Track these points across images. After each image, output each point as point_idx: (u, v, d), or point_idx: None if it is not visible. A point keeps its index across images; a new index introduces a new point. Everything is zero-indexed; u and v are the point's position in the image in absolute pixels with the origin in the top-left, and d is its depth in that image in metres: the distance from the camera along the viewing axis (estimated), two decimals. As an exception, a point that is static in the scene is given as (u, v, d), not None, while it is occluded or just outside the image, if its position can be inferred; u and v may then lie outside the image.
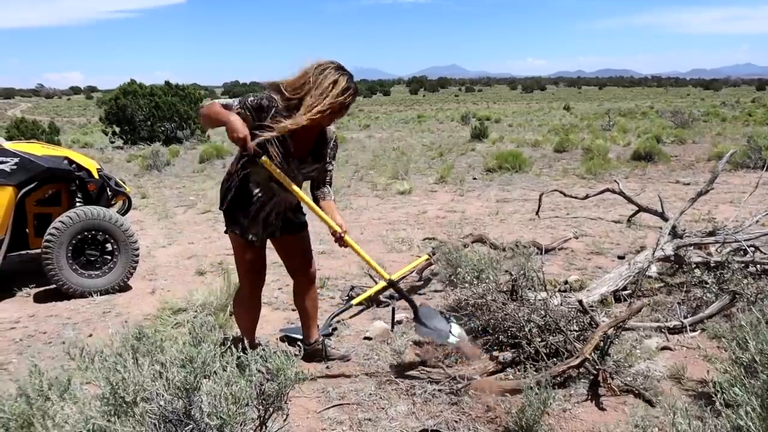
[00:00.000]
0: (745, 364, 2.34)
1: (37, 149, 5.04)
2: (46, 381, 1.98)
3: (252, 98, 2.93)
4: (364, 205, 8.98)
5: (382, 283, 4.55)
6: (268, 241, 3.33)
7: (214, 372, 2.06)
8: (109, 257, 4.99)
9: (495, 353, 3.40)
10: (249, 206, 3.10)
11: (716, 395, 2.12)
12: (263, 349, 2.22)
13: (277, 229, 3.27)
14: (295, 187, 3.03)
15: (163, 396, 2.01)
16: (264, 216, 3.15)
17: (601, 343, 3.21)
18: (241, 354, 2.15)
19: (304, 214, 3.41)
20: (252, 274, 3.29)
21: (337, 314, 4.21)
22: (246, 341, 3.36)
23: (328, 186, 3.31)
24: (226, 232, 3.25)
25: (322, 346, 3.57)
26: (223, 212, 3.20)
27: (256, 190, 3.09)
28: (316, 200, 3.24)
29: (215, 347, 2.10)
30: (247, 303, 3.37)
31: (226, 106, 2.89)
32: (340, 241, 3.15)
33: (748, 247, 4.76)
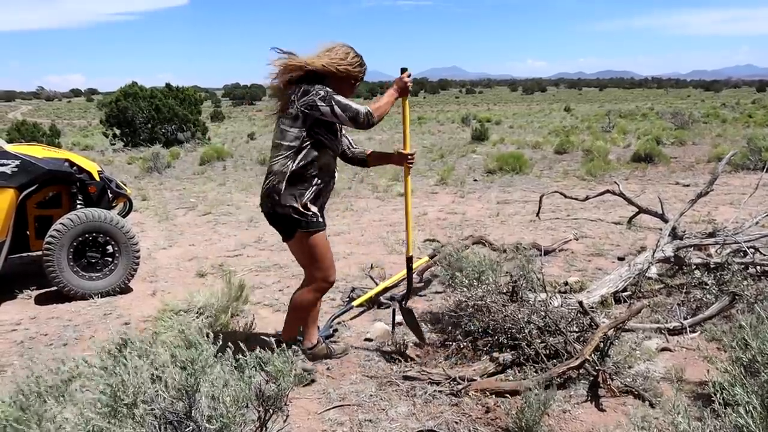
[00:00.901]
0: (745, 363, 2.35)
1: (37, 152, 5.05)
2: (43, 384, 1.98)
3: (334, 99, 3.11)
4: (364, 206, 8.98)
5: (382, 285, 4.56)
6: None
7: (215, 374, 2.07)
8: (110, 259, 4.99)
9: (495, 354, 3.40)
10: (314, 193, 3.22)
11: (716, 395, 2.13)
12: (263, 351, 2.22)
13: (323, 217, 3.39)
14: (408, 111, 3.48)
15: (163, 398, 2.01)
16: (323, 202, 3.33)
17: (601, 345, 3.21)
18: (240, 356, 2.16)
19: None
20: (332, 258, 3.41)
21: (338, 315, 4.22)
22: (313, 336, 3.52)
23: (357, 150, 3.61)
24: (288, 238, 3.29)
25: (324, 347, 3.57)
26: (280, 215, 3.20)
27: (317, 178, 3.21)
28: (359, 156, 3.60)
29: (215, 349, 2.11)
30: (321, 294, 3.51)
31: (356, 110, 3.13)
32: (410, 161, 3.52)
33: (748, 248, 4.76)
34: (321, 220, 3.27)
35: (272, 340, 2.45)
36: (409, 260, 3.72)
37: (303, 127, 3.12)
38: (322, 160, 3.21)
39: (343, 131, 3.44)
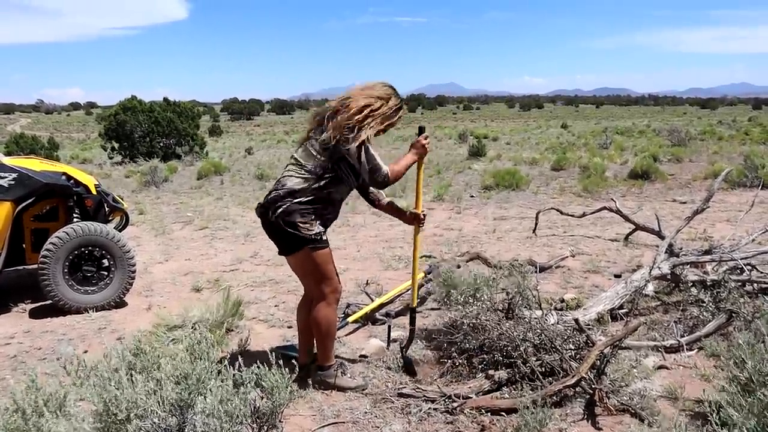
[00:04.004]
0: (742, 383, 2.34)
1: (35, 165, 5.05)
2: (41, 397, 1.97)
3: (366, 146, 3.17)
4: (361, 222, 8.99)
5: (377, 301, 4.55)
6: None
7: (209, 389, 2.05)
8: (106, 273, 4.98)
9: (491, 372, 3.39)
10: (320, 218, 3.24)
11: (712, 414, 2.12)
12: (258, 367, 2.21)
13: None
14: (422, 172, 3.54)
15: (157, 413, 2.00)
16: (327, 225, 3.35)
17: (598, 362, 3.20)
18: (236, 372, 2.15)
19: None
20: (336, 273, 3.40)
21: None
22: (331, 355, 3.45)
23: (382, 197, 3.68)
24: (289, 253, 3.29)
25: (338, 373, 3.52)
26: (283, 231, 3.20)
27: (327, 207, 3.28)
28: (379, 202, 3.66)
29: (210, 364, 2.10)
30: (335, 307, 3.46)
31: (379, 166, 3.21)
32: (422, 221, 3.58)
33: (745, 265, 4.76)
34: (326, 237, 3.29)
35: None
36: (413, 311, 3.69)
37: (329, 160, 3.17)
38: (336, 194, 3.27)
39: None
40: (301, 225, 3.15)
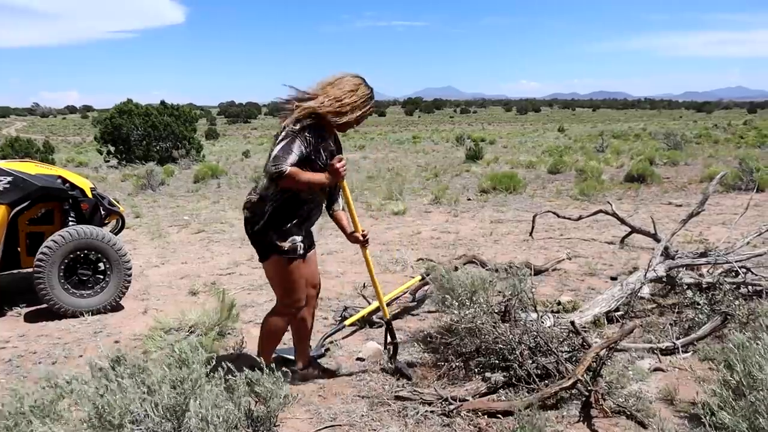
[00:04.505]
0: (733, 386, 2.34)
1: (30, 168, 5.04)
2: (27, 404, 1.96)
3: (308, 135, 3.06)
4: (358, 225, 8.97)
5: (375, 304, 4.55)
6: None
7: (204, 394, 2.05)
8: (102, 277, 4.96)
9: (487, 375, 3.39)
10: (299, 218, 3.20)
11: (705, 417, 2.12)
12: (252, 371, 2.20)
13: (311, 243, 3.39)
14: (349, 194, 3.37)
15: (151, 418, 1.99)
16: (308, 226, 3.30)
17: (594, 365, 3.20)
18: (230, 376, 2.15)
19: None
20: (303, 286, 3.34)
21: (330, 334, 4.19)
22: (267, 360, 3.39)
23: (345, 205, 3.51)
24: (262, 260, 3.28)
25: (316, 367, 3.56)
26: (259, 241, 3.22)
27: (311, 205, 3.24)
28: (332, 208, 3.50)
29: (205, 368, 2.10)
30: (307, 318, 3.47)
31: (295, 164, 2.99)
32: (365, 242, 3.46)
33: (740, 268, 4.78)
34: (300, 246, 3.22)
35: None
36: (389, 324, 3.66)
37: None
38: (305, 194, 3.18)
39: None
40: (278, 244, 3.16)
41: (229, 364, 2.40)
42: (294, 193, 3.14)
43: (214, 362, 2.24)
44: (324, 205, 3.41)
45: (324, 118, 3.12)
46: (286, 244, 3.16)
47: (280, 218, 3.16)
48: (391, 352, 3.67)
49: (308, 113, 3.08)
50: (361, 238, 3.42)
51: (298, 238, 3.21)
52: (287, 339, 4.25)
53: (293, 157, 2.97)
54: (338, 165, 3.12)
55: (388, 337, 3.74)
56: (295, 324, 3.55)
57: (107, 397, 1.90)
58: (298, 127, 3.05)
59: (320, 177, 3.10)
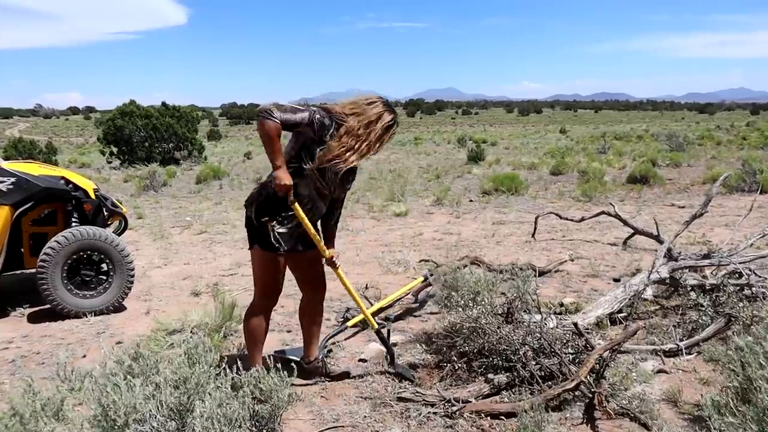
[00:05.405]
0: (735, 389, 2.33)
1: (33, 169, 5.04)
2: (39, 402, 1.97)
3: (319, 116, 3.03)
4: (360, 226, 8.98)
5: (377, 305, 4.55)
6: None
7: (208, 393, 2.05)
8: (105, 277, 4.97)
9: (490, 376, 3.38)
10: (286, 216, 3.16)
11: (710, 419, 2.11)
12: (257, 371, 2.20)
13: (300, 242, 3.28)
14: (309, 224, 3.19)
15: (156, 417, 1.99)
16: (295, 225, 3.20)
17: (597, 366, 3.20)
18: (235, 375, 2.15)
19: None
20: (275, 285, 3.35)
21: (333, 336, 4.19)
22: (249, 360, 3.38)
23: (335, 223, 3.47)
24: (249, 247, 3.30)
25: (322, 364, 3.57)
26: (248, 225, 3.23)
27: (304, 200, 3.17)
28: (325, 218, 3.42)
29: (209, 368, 2.10)
30: (262, 317, 3.41)
31: (287, 123, 2.94)
32: (332, 265, 3.39)
33: (743, 269, 4.76)
34: (282, 243, 3.18)
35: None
36: (379, 333, 3.63)
37: (294, 145, 3.13)
38: (301, 189, 3.14)
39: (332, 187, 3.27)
40: (259, 220, 3.14)
41: (234, 364, 2.40)
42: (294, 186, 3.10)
43: (219, 363, 2.25)
44: (321, 207, 3.33)
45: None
46: (271, 234, 3.14)
47: (271, 205, 3.14)
48: (389, 360, 3.66)
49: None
50: (332, 259, 3.38)
51: (284, 231, 3.17)
52: (289, 339, 4.26)
53: (289, 117, 2.94)
54: (285, 184, 2.99)
55: (391, 338, 3.74)
56: (306, 321, 3.59)
57: (113, 395, 1.90)
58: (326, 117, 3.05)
59: (279, 162, 2.99)
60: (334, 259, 3.38)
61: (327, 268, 3.52)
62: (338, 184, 3.25)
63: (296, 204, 3.10)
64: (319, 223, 3.41)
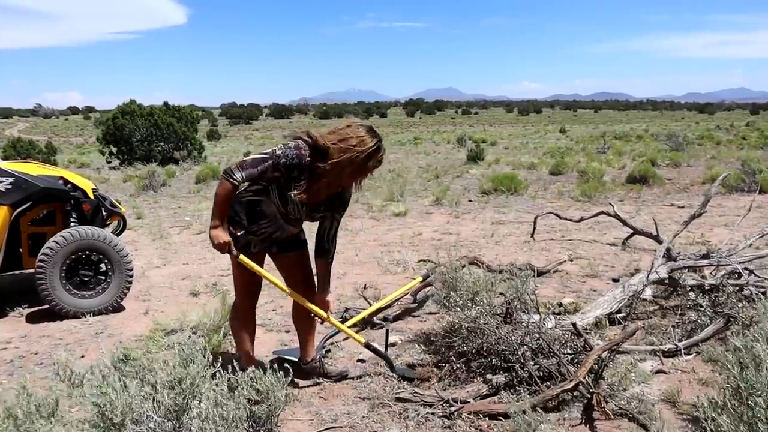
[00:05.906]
0: (732, 391, 2.32)
1: (32, 169, 5.04)
2: (33, 403, 1.96)
3: (284, 160, 3.00)
4: (359, 226, 8.98)
5: (375, 305, 4.54)
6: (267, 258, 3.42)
7: (204, 394, 2.05)
8: (103, 278, 4.97)
9: (488, 376, 3.38)
10: (252, 226, 3.21)
11: (706, 421, 2.11)
12: (253, 371, 2.20)
13: (274, 245, 3.35)
14: (272, 278, 3.26)
15: (152, 418, 1.99)
16: (264, 236, 3.28)
17: (595, 367, 3.19)
18: (231, 375, 2.14)
19: (304, 233, 3.50)
20: (252, 286, 3.38)
21: (331, 336, 4.19)
22: (243, 360, 3.39)
23: (331, 241, 3.35)
24: None
25: (320, 364, 3.57)
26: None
27: (264, 220, 3.21)
28: (316, 250, 3.33)
29: (204, 368, 2.09)
30: (245, 316, 3.43)
31: (251, 177, 3.02)
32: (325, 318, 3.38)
33: (743, 269, 4.76)
34: (251, 246, 3.25)
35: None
36: (368, 345, 3.58)
37: (270, 183, 3.16)
38: (265, 206, 3.18)
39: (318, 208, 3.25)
40: (232, 231, 3.19)
41: (230, 365, 2.39)
42: (254, 204, 3.18)
43: (213, 363, 2.24)
44: (289, 228, 3.32)
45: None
46: (235, 234, 3.18)
47: (238, 214, 3.20)
48: (389, 368, 3.65)
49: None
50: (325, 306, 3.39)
51: (255, 238, 3.24)
52: (287, 339, 4.26)
53: (251, 172, 3.00)
54: (221, 242, 3.07)
55: (389, 338, 3.74)
56: (299, 322, 3.60)
57: (109, 395, 1.90)
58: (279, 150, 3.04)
59: (217, 222, 3.09)
60: (328, 313, 3.37)
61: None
62: (325, 205, 3.22)
63: (242, 256, 3.15)
64: (313, 263, 3.41)
